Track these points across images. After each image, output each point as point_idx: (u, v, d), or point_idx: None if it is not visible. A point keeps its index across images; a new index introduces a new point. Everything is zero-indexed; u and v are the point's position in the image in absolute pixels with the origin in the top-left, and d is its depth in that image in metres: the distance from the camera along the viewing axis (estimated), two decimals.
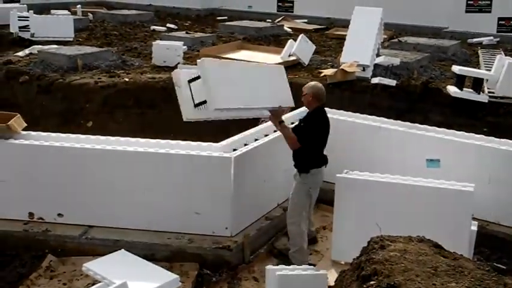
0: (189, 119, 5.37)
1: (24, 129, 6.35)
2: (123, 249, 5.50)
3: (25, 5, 15.17)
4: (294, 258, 5.74)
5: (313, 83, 6.02)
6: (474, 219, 5.55)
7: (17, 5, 16.03)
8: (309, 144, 5.66)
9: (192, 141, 6.20)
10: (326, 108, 7.53)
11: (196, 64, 10.58)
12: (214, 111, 5.26)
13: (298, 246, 5.77)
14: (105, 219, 6.06)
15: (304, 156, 5.69)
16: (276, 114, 5.81)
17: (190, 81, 5.32)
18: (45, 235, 5.99)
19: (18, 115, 6.37)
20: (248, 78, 5.77)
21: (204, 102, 5.24)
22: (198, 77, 5.27)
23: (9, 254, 5.95)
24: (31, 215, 6.17)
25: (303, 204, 5.81)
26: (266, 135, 6.59)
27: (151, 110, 9.36)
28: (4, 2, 17.87)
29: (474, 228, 5.45)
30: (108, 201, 6.03)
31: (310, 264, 5.42)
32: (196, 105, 5.30)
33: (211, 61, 5.49)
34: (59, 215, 6.13)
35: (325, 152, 5.90)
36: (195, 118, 5.41)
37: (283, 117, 6.00)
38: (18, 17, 12.80)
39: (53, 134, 6.51)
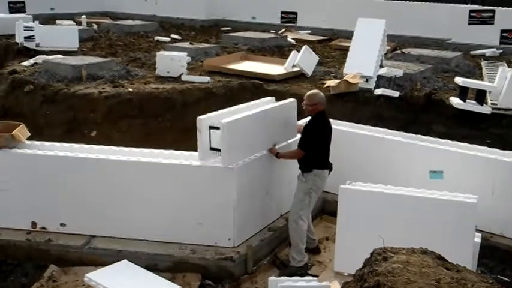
0: (203, 159, 5.92)
1: (28, 139, 6.39)
2: (125, 260, 5.50)
3: (31, 16, 15.26)
4: (292, 260, 5.90)
5: (314, 92, 6.08)
6: (478, 231, 5.53)
7: (22, 15, 16.13)
8: (311, 147, 5.82)
9: (196, 151, 6.20)
10: (330, 119, 7.62)
11: (200, 74, 10.75)
12: None
13: (294, 244, 5.92)
14: (108, 229, 6.06)
15: (307, 157, 5.86)
16: (272, 152, 6.15)
17: (211, 127, 5.78)
18: (48, 245, 6.00)
19: (23, 125, 6.41)
20: (262, 123, 6.17)
21: (219, 150, 5.75)
22: (218, 128, 5.67)
23: (12, 264, 5.98)
24: (34, 224, 6.18)
25: (302, 202, 5.94)
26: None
27: (155, 120, 9.38)
28: (10, 12, 18.01)
29: (478, 240, 5.43)
30: (111, 211, 6.03)
31: (312, 275, 5.40)
32: (211, 149, 5.86)
33: (231, 121, 5.72)
34: (62, 224, 6.14)
35: None
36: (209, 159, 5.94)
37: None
38: (24, 27, 12.87)
39: (57, 144, 6.54)
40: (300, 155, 5.89)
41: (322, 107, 5.91)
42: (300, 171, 6.00)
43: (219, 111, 6.11)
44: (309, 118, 6.05)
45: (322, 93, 6.07)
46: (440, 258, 3.47)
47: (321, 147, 5.91)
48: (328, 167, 6.01)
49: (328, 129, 6.02)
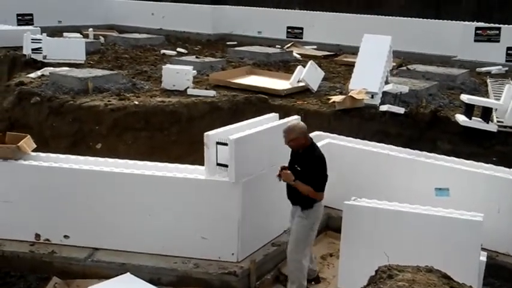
0: (210, 175, 5.91)
1: (34, 150, 6.41)
2: (128, 273, 5.47)
3: (38, 28, 15.39)
4: None
5: (294, 124, 5.60)
6: (483, 249, 5.49)
7: (30, 27, 16.28)
8: (324, 184, 5.50)
9: (201, 165, 6.20)
10: (334, 135, 7.62)
11: (205, 88, 10.80)
12: None
13: (297, 283, 5.63)
14: (112, 241, 6.06)
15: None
16: (286, 177, 5.46)
17: (218, 143, 5.77)
18: (51, 257, 6.00)
19: (28, 136, 6.44)
20: (269, 140, 6.11)
21: (225, 166, 5.74)
22: (226, 144, 5.67)
23: (15, 275, 5.98)
24: (37, 236, 6.18)
25: (307, 240, 5.65)
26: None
27: (160, 133, 9.40)
28: (18, 25, 18.18)
29: (483, 258, 5.38)
30: (114, 224, 6.03)
31: None
32: (218, 165, 5.83)
33: (239, 138, 5.74)
34: (65, 236, 6.14)
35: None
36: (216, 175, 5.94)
37: None
38: (32, 39, 12.98)
39: (62, 156, 6.56)
40: (321, 197, 5.50)
41: (306, 138, 5.44)
42: (295, 208, 5.60)
43: (226, 127, 6.12)
44: (301, 153, 5.49)
45: (300, 124, 5.59)
46: (445, 277, 3.45)
47: (326, 181, 5.54)
48: None
49: (325, 159, 5.56)
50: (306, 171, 5.40)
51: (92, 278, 5.76)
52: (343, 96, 9.62)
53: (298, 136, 5.41)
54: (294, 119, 6.72)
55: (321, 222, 7.16)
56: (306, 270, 5.69)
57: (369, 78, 9.60)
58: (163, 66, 11.40)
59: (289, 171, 5.43)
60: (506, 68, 14.57)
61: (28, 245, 6.11)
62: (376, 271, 3.52)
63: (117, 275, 5.43)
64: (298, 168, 5.43)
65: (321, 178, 5.45)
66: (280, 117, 6.81)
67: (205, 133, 5.87)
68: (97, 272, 5.86)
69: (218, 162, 5.84)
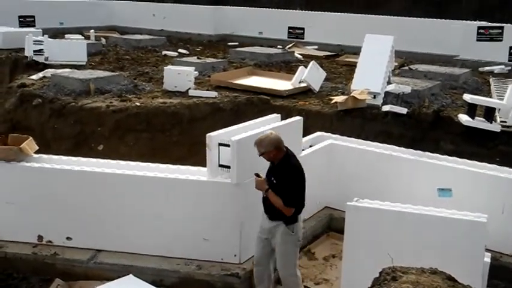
0: (212, 176, 5.89)
1: (36, 152, 6.40)
2: (131, 275, 5.46)
3: (40, 30, 15.40)
4: None
5: (264, 136, 5.14)
6: (487, 250, 5.45)
7: (32, 29, 16.29)
8: (298, 200, 5.12)
9: (202, 166, 6.19)
10: (336, 136, 7.60)
11: (207, 89, 10.78)
12: None
13: None
14: (114, 243, 6.05)
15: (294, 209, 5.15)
16: (258, 184, 5.17)
17: (220, 144, 5.74)
18: (54, 259, 6.00)
19: (31, 138, 6.43)
20: None
21: (228, 167, 5.71)
22: (228, 145, 5.64)
23: (17, 277, 5.98)
24: (40, 238, 6.18)
25: (296, 253, 5.39)
26: None
27: (162, 134, 9.39)
28: (20, 26, 18.19)
29: (487, 259, 5.35)
30: (117, 225, 6.02)
31: None
32: (220, 166, 5.82)
33: (241, 139, 5.72)
34: (68, 238, 6.14)
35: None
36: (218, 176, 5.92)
37: None
38: (34, 41, 12.98)
39: (64, 158, 6.56)
40: (289, 213, 5.06)
41: (277, 151, 5.04)
42: (275, 223, 5.19)
43: (228, 128, 6.10)
44: (275, 165, 5.15)
45: (270, 136, 5.08)
46: (450, 278, 3.42)
47: (303, 193, 5.19)
48: None
49: (302, 170, 5.19)
50: (280, 184, 5.03)
51: (94, 279, 5.75)
52: (345, 97, 9.59)
53: (268, 150, 5.02)
54: (296, 120, 6.71)
55: (323, 223, 7.21)
56: (300, 278, 5.55)
57: (371, 79, 9.57)
58: (164, 68, 11.39)
59: (262, 179, 5.09)
60: (509, 67, 14.52)
61: (31, 247, 6.11)
62: (380, 273, 3.50)
63: (120, 277, 5.42)
64: (274, 181, 5.06)
65: (293, 191, 5.02)
66: (283, 118, 6.80)
67: (208, 134, 5.86)
68: (100, 273, 5.85)
69: (220, 163, 5.84)
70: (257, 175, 5.19)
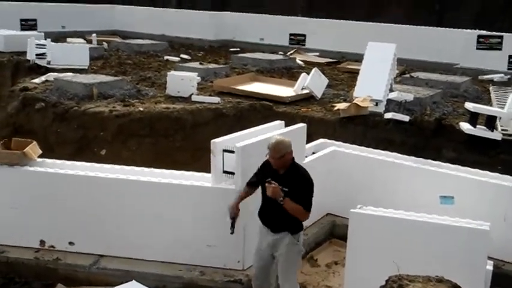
0: (216, 183, 5.90)
1: (39, 157, 6.40)
2: (134, 280, 5.45)
3: (42, 33, 15.43)
4: None
5: (281, 140, 4.93)
6: (489, 258, 5.47)
7: (34, 32, 16.32)
8: (311, 204, 4.95)
9: (206, 172, 6.20)
10: (339, 143, 7.63)
11: (209, 95, 10.81)
12: None
13: None
14: (117, 249, 6.05)
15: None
16: (274, 193, 4.82)
17: (225, 150, 5.75)
18: (56, 263, 5.99)
19: (35, 142, 6.43)
20: None
21: (232, 173, 5.71)
22: (232, 151, 5.66)
23: (19, 282, 5.96)
24: (42, 242, 6.17)
25: (299, 264, 5.34)
26: None
27: (165, 139, 9.40)
28: (22, 30, 18.22)
29: (490, 267, 5.37)
30: (120, 230, 6.02)
31: None
32: (224, 172, 5.83)
33: (246, 145, 5.73)
34: (70, 243, 6.13)
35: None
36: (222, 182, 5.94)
37: None
38: (36, 44, 13.00)
39: (68, 162, 6.56)
40: (307, 218, 4.98)
41: (291, 154, 4.92)
42: (279, 235, 5.02)
43: (232, 135, 6.12)
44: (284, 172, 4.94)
45: (285, 140, 4.92)
46: (456, 287, 3.44)
47: None
48: None
49: None
50: (295, 191, 4.82)
51: (97, 285, 5.75)
52: (347, 104, 9.62)
53: (287, 151, 4.85)
54: (300, 127, 6.74)
55: (326, 230, 7.23)
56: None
57: (374, 86, 9.61)
58: (167, 73, 11.40)
59: (278, 186, 4.77)
60: (509, 76, 14.60)
61: (33, 252, 6.10)
62: (387, 281, 3.52)
63: (122, 283, 5.37)
64: (285, 189, 4.80)
65: (311, 195, 4.91)
66: (286, 125, 6.82)
67: (212, 140, 5.87)
68: (102, 279, 5.84)
69: (225, 169, 5.85)
70: (270, 182, 4.83)
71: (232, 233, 5.17)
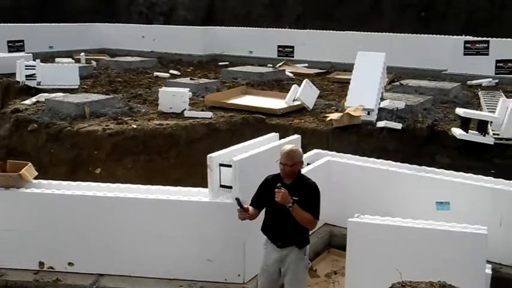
0: (214, 197, 5.92)
1: (34, 178, 6.38)
2: None
3: (30, 54, 15.41)
4: None
5: (295, 147, 5.07)
6: (487, 262, 5.51)
7: (22, 53, 16.30)
8: (319, 212, 4.99)
9: (202, 187, 6.21)
10: (333, 153, 7.67)
11: (202, 110, 10.83)
12: None
13: None
14: (117, 267, 6.03)
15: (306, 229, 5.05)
16: (283, 198, 4.80)
17: (221, 165, 5.77)
18: (56, 285, 5.95)
19: (30, 164, 6.42)
20: (273, 160, 5.77)
21: (229, 187, 5.73)
22: (229, 165, 5.68)
23: None
24: (41, 264, 6.13)
25: (306, 280, 5.33)
26: None
27: (159, 156, 9.41)
28: (9, 51, 18.19)
29: (488, 271, 5.41)
30: (119, 249, 6.01)
31: None
32: (221, 186, 5.85)
33: (242, 159, 5.77)
34: (70, 263, 6.10)
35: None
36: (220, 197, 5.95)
37: None
38: (26, 65, 12.98)
39: (64, 183, 6.54)
40: (315, 226, 5.08)
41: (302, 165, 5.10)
42: (287, 250, 5.00)
43: (228, 149, 6.14)
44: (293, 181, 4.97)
45: (296, 148, 5.09)
46: None
47: None
48: None
49: None
50: (303, 200, 4.83)
51: None
52: (340, 114, 9.69)
53: (300, 160, 5.00)
54: (294, 138, 6.78)
55: (324, 240, 7.24)
56: None
57: (365, 95, 9.68)
58: (159, 89, 11.41)
59: (286, 192, 4.76)
60: (497, 80, 14.76)
61: (32, 274, 6.05)
62: None
63: None
64: (295, 198, 4.80)
65: (319, 204, 4.96)
66: (279, 137, 6.86)
67: (208, 155, 5.89)
68: None
69: (222, 184, 5.87)
70: (279, 187, 4.80)
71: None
